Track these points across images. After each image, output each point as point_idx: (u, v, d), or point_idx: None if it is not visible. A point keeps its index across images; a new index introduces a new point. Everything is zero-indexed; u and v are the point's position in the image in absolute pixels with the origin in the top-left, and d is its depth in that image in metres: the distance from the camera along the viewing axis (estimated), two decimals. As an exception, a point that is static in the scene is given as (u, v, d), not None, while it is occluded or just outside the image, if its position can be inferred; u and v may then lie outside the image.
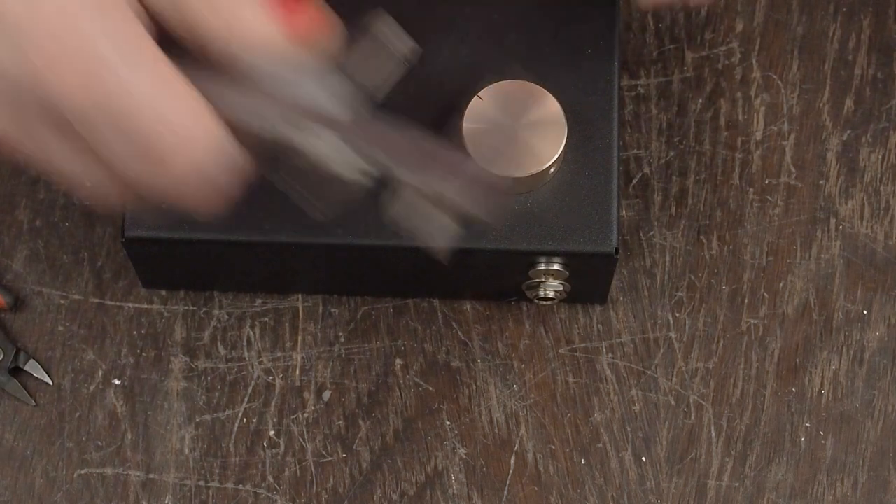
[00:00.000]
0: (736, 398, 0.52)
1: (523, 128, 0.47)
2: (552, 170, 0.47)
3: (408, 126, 0.36)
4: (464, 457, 0.51)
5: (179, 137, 0.35)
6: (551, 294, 0.50)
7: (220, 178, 0.36)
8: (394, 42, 0.38)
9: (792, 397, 0.52)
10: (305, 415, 0.52)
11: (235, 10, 0.34)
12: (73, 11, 0.34)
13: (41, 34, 0.33)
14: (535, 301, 0.52)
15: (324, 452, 0.51)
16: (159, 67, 0.36)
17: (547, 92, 0.47)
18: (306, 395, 0.52)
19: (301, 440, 0.51)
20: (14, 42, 0.34)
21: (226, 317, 0.53)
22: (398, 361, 0.52)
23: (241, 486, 0.51)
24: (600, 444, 0.51)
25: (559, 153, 0.47)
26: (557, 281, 0.50)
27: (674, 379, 0.52)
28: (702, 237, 0.54)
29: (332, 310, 0.53)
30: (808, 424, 0.51)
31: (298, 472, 0.51)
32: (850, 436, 0.51)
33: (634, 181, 0.55)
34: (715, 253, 0.54)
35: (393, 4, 0.50)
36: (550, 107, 0.47)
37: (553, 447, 0.51)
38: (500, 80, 0.47)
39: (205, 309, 0.53)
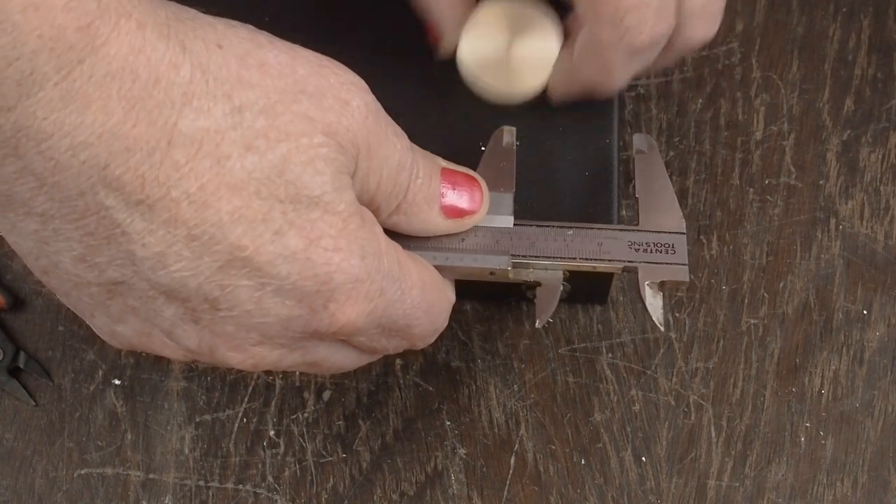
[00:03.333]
0: (736, 398, 0.52)
1: (517, 45, 0.47)
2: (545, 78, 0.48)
3: None
4: (464, 457, 0.51)
5: (438, 322, 0.42)
6: (551, 294, 0.50)
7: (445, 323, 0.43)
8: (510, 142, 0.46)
9: (792, 397, 0.52)
10: (305, 415, 0.52)
11: (428, 219, 0.42)
12: (350, 255, 0.37)
13: (342, 288, 0.37)
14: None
15: (324, 452, 0.51)
16: (417, 271, 0.41)
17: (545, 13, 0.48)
18: (306, 394, 0.52)
19: (301, 440, 0.51)
20: (316, 298, 0.37)
21: (226, 317, 0.52)
22: (398, 361, 0.52)
23: (241, 486, 0.51)
24: (600, 444, 0.51)
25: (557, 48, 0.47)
26: (557, 281, 0.50)
27: (674, 379, 0.52)
28: (702, 237, 0.54)
29: (332, 310, 0.53)
30: (808, 424, 0.51)
31: (298, 472, 0.51)
32: (850, 436, 0.51)
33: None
34: (715, 253, 0.54)
35: (397, 6, 0.50)
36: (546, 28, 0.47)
37: (553, 447, 0.51)
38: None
39: (205, 309, 0.53)
